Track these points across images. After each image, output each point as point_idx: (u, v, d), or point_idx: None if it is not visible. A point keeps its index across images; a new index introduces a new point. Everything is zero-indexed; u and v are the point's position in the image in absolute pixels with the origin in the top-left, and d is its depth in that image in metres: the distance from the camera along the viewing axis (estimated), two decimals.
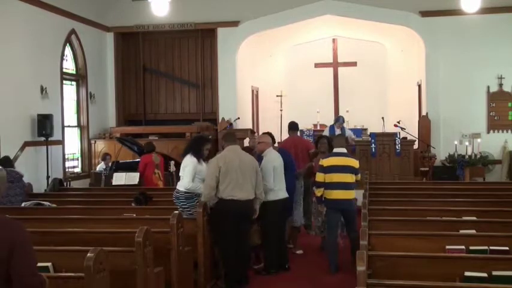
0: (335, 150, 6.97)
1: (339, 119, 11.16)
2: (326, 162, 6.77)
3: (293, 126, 8.58)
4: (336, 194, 6.71)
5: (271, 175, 6.64)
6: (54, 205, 7.08)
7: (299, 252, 7.71)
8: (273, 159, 6.80)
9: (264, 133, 7.65)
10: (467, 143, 11.77)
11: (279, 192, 6.77)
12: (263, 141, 7.03)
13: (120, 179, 9.61)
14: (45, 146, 10.61)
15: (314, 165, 7.48)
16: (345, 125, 11.08)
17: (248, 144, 9.12)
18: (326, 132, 10.00)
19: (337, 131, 10.66)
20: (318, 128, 14.28)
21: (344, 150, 6.95)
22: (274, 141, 7.54)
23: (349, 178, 6.76)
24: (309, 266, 7.20)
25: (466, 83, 12.38)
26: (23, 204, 6.99)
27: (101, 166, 11.30)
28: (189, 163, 6.37)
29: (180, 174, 6.54)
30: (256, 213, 6.39)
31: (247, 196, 6.13)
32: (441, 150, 12.23)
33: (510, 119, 12.33)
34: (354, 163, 6.88)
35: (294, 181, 7.55)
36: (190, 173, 6.30)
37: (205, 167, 6.36)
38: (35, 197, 7.78)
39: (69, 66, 12.40)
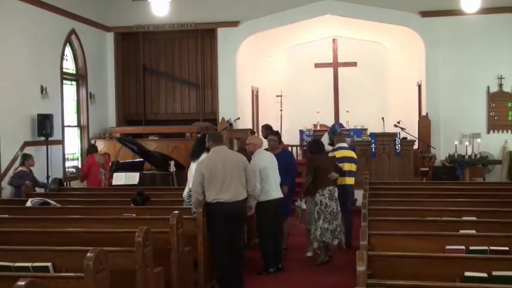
0: (339, 145, 8.27)
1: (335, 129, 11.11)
2: (338, 154, 8.05)
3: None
4: (346, 180, 8.00)
5: (257, 176, 6.57)
6: (59, 205, 7.09)
7: (309, 254, 7.55)
8: (261, 161, 6.79)
9: (275, 131, 7.66)
10: (467, 143, 11.77)
11: (271, 192, 6.76)
12: (252, 143, 7.06)
13: (120, 179, 9.63)
14: (45, 146, 10.61)
15: None
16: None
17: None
18: (325, 138, 10.01)
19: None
20: (318, 128, 14.29)
21: (346, 145, 8.44)
22: (280, 141, 7.54)
23: (354, 167, 8.23)
24: (308, 266, 7.20)
25: (466, 83, 12.38)
26: (29, 202, 7.00)
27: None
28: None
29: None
30: (252, 210, 6.34)
31: (234, 197, 5.97)
32: (441, 150, 12.22)
33: (510, 119, 12.33)
34: (355, 155, 8.48)
35: (294, 181, 7.55)
36: None
37: None
38: (35, 197, 7.77)
39: (69, 66, 12.40)
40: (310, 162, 7.39)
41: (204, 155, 6.44)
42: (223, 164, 5.99)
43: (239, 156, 6.31)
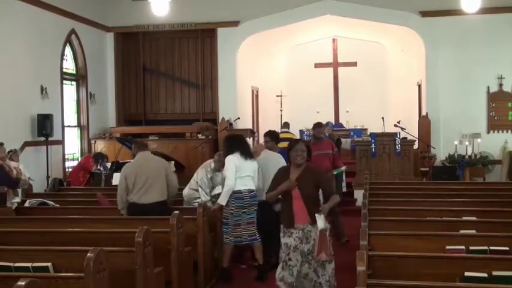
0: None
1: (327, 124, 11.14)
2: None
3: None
4: None
5: (259, 175, 6.65)
6: (57, 205, 7.09)
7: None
8: (259, 160, 6.83)
9: (267, 132, 7.67)
10: (467, 143, 11.77)
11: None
12: (259, 144, 7.20)
13: None
14: (45, 146, 10.61)
15: None
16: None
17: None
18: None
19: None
20: None
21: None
22: (277, 141, 7.54)
23: None
24: None
25: (466, 83, 12.38)
26: (27, 203, 7.00)
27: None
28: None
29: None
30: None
31: (153, 199, 6.25)
32: (441, 150, 12.22)
33: (510, 119, 12.32)
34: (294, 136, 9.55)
35: None
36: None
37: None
38: (36, 197, 7.77)
39: (69, 66, 12.39)
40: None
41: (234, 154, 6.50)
42: (147, 168, 6.32)
43: (160, 162, 6.58)
